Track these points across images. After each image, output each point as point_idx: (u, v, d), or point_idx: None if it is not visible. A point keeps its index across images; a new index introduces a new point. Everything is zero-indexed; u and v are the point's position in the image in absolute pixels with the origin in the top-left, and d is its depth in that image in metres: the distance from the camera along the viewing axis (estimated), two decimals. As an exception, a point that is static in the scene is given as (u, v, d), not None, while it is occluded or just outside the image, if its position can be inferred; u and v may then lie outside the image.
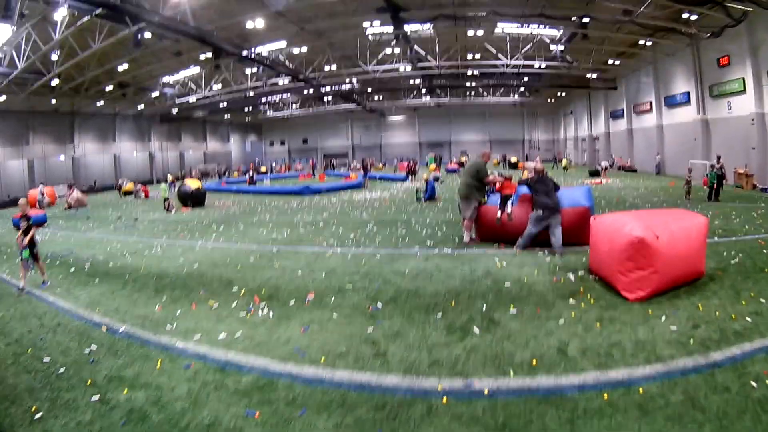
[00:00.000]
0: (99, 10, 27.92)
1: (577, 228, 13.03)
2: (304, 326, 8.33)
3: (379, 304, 9.35)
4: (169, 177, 47.01)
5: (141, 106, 67.85)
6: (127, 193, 47.16)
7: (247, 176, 56.11)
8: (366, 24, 39.30)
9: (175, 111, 69.36)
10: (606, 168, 50.55)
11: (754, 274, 10.52)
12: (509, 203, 14.19)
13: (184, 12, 31.29)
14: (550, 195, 12.95)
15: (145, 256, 15.65)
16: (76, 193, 38.48)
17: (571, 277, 10.66)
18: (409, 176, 48.72)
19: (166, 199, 29.97)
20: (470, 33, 42.62)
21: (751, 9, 30.49)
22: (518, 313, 8.63)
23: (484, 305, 9.05)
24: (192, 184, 31.93)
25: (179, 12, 31.18)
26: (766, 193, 30.29)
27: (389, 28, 39.62)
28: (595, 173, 48.22)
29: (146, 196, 42.00)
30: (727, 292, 9.33)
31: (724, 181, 26.63)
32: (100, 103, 61.43)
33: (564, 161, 59.92)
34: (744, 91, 35.16)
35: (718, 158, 27.83)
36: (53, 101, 55.21)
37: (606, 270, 10.04)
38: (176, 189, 34.08)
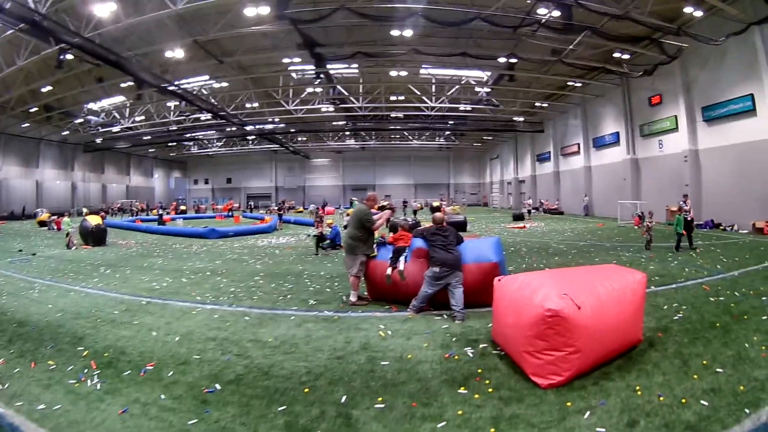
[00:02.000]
0: (21, 25, 26.58)
1: (482, 287, 10.42)
2: (125, 407, 6.53)
3: (218, 386, 7.25)
4: (84, 211, 45.84)
5: (66, 133, 65.67)
6: (42, 223, 45.35)
7: (157, 215, 53.73)
8: (286, 60, 38.45)
9: (99, 141, 66.47)
10: (530, 211, 49.98)
11: (703, 333, 8.77)
12: (402, 258, 11.99)
13: (106, 36, 30.45)
14: (450, 249, 11.03)
15: (20, 296, 13.99)
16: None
17: (469, 352, 8.40)
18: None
19: (67, 235, 27.93)
20: (393, 74, 41.92)
21: (686, 45, 30.47)
22: (385, 408, 6.34)
23: (344, 396, 6.72)
24: (92, 220, 29.74)
25: (100, 36, 30.11)
26: (701, 229, 29.65)
27: (311, 66, 38.65)
28: (518, 217, 45.80)
29: (58, 228, 39.41)
30: (673, 363, 7.38)
31: (693, 224, 22.72)
32: (26, 125, 59.59)
33: (455, 207, 58.85)
34: (676, 128, 35.67)
35: (685, 197, 24.19)
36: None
37: (512, 347, 7.86)
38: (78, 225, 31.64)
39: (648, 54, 33.32)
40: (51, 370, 7.97)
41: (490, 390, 6.71)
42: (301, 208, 74.64)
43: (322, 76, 41.63)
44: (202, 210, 78.22)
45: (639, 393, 6.33)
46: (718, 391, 6.21)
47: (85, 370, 7.86)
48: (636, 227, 32.90)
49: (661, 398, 6.13)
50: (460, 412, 6.04)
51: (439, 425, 5.76)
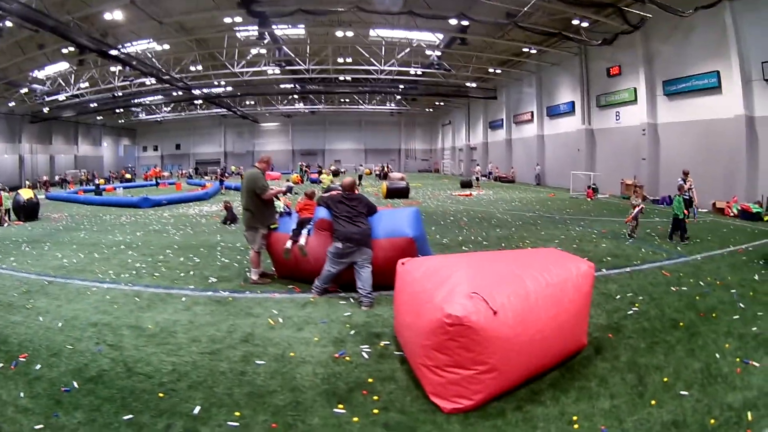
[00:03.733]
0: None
1: (394, 266, 8.08)
2: (-18, 407, 5.46)
3: (76, 384, 6.04)
4: (27, 184, 45.28)
5: (12, 104, 62.01)
6: None
7: (94, 185, 52.17)
8: (228, 20, 36.66)
9: (46, 110, 64.08)
10: (478, 179, 49.01)
11: (663, 335, 7.26)
12: (305, 231, 10.41)
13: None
14: (357, 221, 9.39)
15: None
16: None
17: (365, 351, 6.93)
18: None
19: (7, 211, 26.52)
20: (339, 34, 40.18)
21: (650, 15, 29.27)
22: (239, 428, 4.94)
23: (200, 406, 5.41)
24: (24, 194, 28.40)
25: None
26: (658, 205, 29.00)
27: (254, 27, 37.11)
28: (467, 184, 45.34)
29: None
30: (625, 379, 5.76)
31: (694, 208, 19.01)
32: None
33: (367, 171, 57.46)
34: (635, 101, 34.50)
35: (686, 175, 20.47)
36: None
37: (410, 355, 6.24)
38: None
39: (609, 23, 32.13)
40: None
41: (375, 410, 5.20)
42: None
43: (266, 36, 40.03)
44: (165, 177, 75.47)
45: (576, 427, 4.78)
46: (682, 426, 4.71)
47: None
48: (589, 199, 31.93)
49: (607, 432, 4.57)
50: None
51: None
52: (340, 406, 5.29)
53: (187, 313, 8.92)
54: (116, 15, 32.87)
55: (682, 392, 5.37)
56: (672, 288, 9.93)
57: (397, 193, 32.97)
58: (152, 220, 24.40)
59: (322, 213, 10.06)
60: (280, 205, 11.35)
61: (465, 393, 5.10)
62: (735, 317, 8.07)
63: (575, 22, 32.65)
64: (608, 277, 10.94)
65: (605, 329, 7.55)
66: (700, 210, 24.66)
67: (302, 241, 10.19)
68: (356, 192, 9.98)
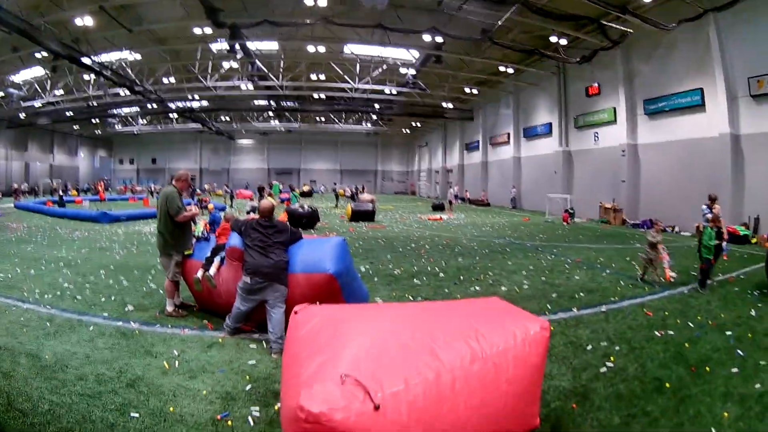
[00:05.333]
0: None
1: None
2: None
3: None
4: None
5: None
6: None
7: (57, 196, 50.82)
8: (198, 31, 35.88)
9: (22, 116, 63.96)
10: (452, 202, 47.43)
11: (643, 402, 5.71)
12: (217, 258, 8.99)
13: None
14: (271, 251, 7.91)
15: None
16: None
17: (253, 414, 5.54)
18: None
19: None
20: (311, 49, 39.64)
21: (631, 31, 28.76)
22: None
23: None
24: None
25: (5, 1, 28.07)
26: (638, 229, 27.92)
27: (224, 39, 36.48)
28: (438, 207, 44.03)
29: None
30: None
31: (724, 244, 13.95)
32: None
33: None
34: (614, 121, 33.72)
35: (712, 201, 16.33)
36: None
37: None
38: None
39: (589, 40, 31.30)
40: None
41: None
42: (220, 191, 71.51)
43: (237, 48, 39.08)
44: (138, 191, 74.41)
45: None
46: None
47: None
48: (565, 224, 30.67)
49: None
50: None
51: None
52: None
53: (88, 345, 7.96)
54: (87, 21, 32.49)
55: None
56: (656, 332, 8.40)
57: (362, 215, 31.71)
58: (103, 237, 23.35)
59: (234, 240, 8.53)
60: (199, 228, 10.10)
61: None
62: (733, 370, 6.62)
63: (554, 39, 31.74)
64: (579, 318, 9.41)
65: (569, 396, 5.88)
66: (681, 233, 23.63)
67: (212, 270, 8.80)
68: (274, 219, 8.49)
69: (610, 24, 28.76)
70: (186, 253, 9.52)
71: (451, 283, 12.67)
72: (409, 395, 3.58)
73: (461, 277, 13.53)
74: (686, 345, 7.77)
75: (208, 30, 34.86)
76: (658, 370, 6.69)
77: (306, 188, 53.72)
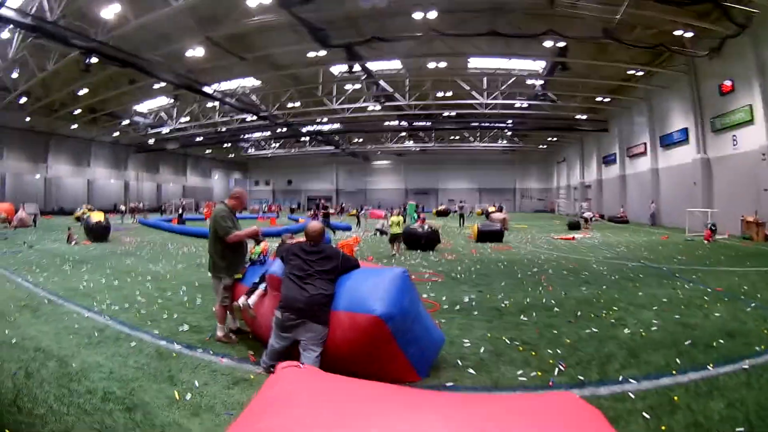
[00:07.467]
0: (35, 35, 28.56)
1: (359, 353, 6.30)
2: None
3: None
4: (86, 207, 50.54)
5: (116, 134, 69.74)
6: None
7: (177, 215, 53.29)
8: (311, 54, 36.52)
9: (151, 141, 69.62)
10: (588, 220, 44.76)
11: None
12: (262, 286, 7.97)
13: (126, 38, 30.60)
14: (308, 283, 6.57)
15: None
16: (21, 213, 40.89)
17: None
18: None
19: (69, 229, 28.99)
20: (431, 66, 39.48)
21: (758, 11, 25.32)
22: None
23: None
24: (95, 217, 30.56)
25: (122, 39, 30.54)
26: None
27: (343, 61, 37.67)
28: (574, 226, 40.28)
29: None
30: None
31: None
32: (74, 126, 62.43)
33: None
34: (752, 121, 29.64)
35: None
36: (27, 119, 55.99)
37: None
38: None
39: (712, 28, 28.69)
40: None
41: None
42: (354, 211, 71.51)
43: (358, 69, 39.64)
44: (273, 210, 77.18)
45: None
46: None
47: None
48: (706, 242, 26.87)
49: None
50: None
51: None
52: None
53: (119, 361, 7.68)
54: (198, 51, 33.87)
55: None
56: None
57: (489, 236, 29.58)
58: (204, 253, 23.05)
59: (276, 267, 7.43)
60: (257, 250, 9.18)
61: None
62: None
63: (678, 33, 29.62)
64: (714, 382, 6.36)
65: None
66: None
67: (252, 298, 7.85)
68: (321, 245, 7.11)
69: (731, 5, 25.61)
70: (236, 276, 8.82)
71: (564, 321, 9.94)
72: None
73: (578, 313, 10.71)
74: None
75: (322, 52, 35.33)
76: None
77: (442, 208, 53.02)
